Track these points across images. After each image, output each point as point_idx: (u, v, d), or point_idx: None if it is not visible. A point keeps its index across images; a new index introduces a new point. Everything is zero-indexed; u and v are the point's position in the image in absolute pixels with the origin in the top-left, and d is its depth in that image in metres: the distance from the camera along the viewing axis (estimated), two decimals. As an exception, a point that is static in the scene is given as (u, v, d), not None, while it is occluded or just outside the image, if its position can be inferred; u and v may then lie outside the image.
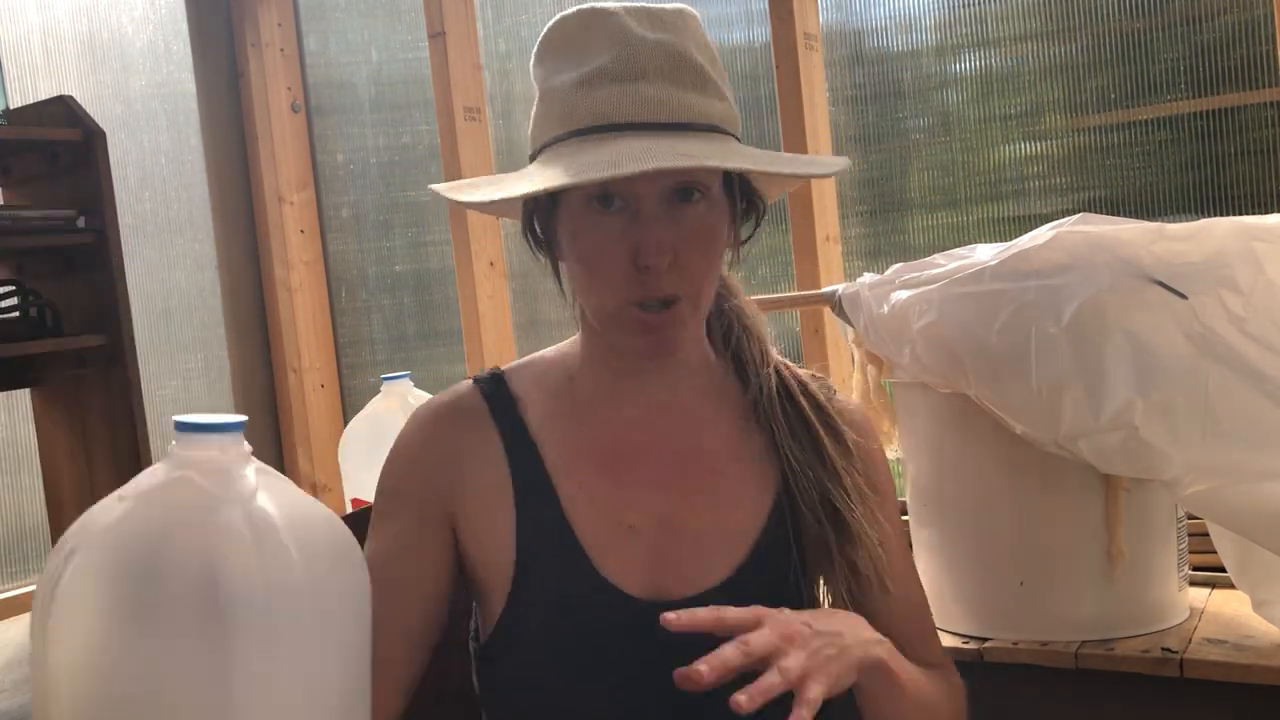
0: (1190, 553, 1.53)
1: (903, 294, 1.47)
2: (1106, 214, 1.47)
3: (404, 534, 1.03)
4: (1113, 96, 1.88)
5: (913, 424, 1.57)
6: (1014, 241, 1.40)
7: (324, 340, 2.82)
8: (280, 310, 2.76)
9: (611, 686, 0.97)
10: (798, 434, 1.04)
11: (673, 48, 0.94)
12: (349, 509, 2.25)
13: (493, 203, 0.98)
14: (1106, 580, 1.44)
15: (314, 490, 2.76)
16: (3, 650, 1.91)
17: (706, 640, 0.98)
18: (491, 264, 2.47)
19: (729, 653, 0.83)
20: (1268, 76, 1.75)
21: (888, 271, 1.55)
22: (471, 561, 1.03)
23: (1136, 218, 1.48)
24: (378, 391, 2.29)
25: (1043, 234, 1.37)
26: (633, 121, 0.92)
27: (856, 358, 1.65)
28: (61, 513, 2.16)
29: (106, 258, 2.03)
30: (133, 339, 2.06)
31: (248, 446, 0.75)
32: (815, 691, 0.84)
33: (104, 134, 2.05)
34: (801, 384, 1.08)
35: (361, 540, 1.07)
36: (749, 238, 1.06)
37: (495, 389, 1.07)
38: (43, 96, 2.25)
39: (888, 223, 2.12)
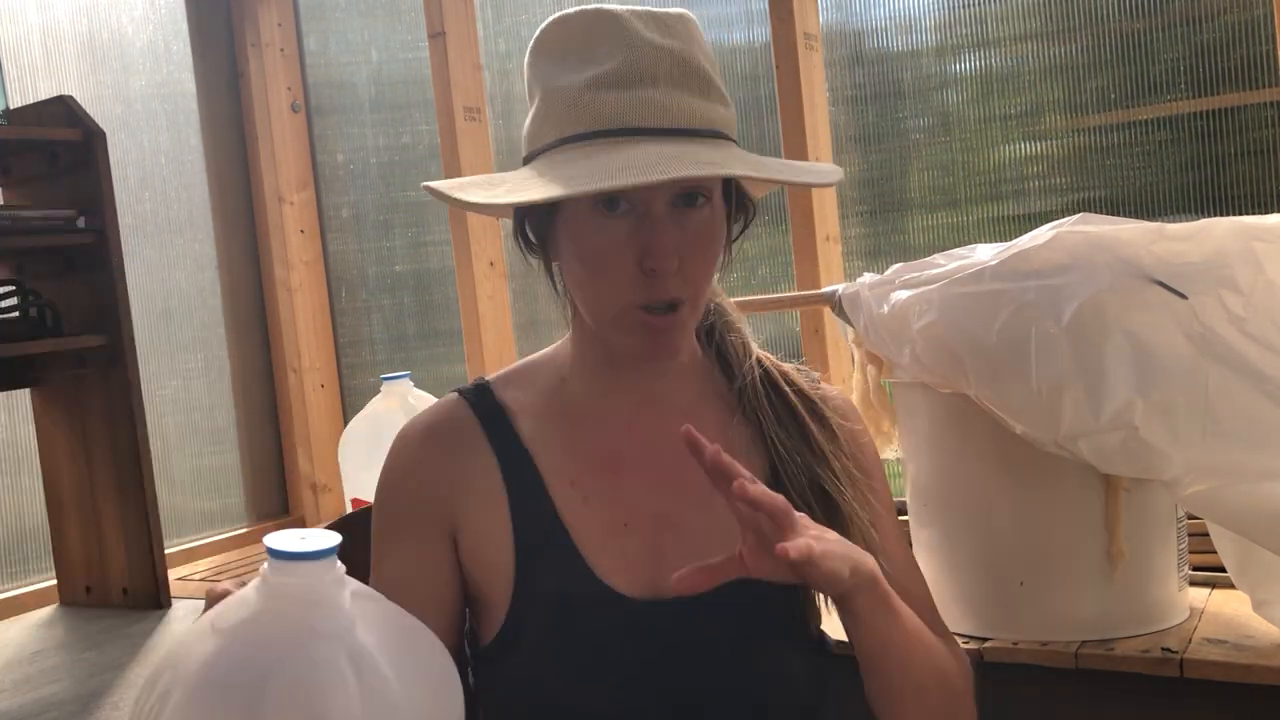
0: (1190, 553, 1.53)
1: (903, 294, 1.47)
2: (1106, 214, 1.47)
3: (412, 557, 1.03)
4: (1113, 96, 1.88)
5: (913, 424, 1.57)
6: (1014, 241, 1.40)
7: (324, 340, 2.82)
8: (280, 310, 2.76)
9: (610, 687, 0.97)
10: (784, 422, 1.05)
11: (680, 53, 0.95)
12: (349, 509, 2.25)
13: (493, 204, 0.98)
14: (1106, 580, 1.44)
15: (314, 490, 2.76)
16: (3, 650, 1.92)
17: (704, 639, 0.98)
18: (491, 264, 2.47)
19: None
20: (1268, 76, 1.75)
21: (888, 271, 1.55)
22: (472, 571, 1.03)
23: (1136, 218, 1.48)
24: (378, 391, 2.29)
25: (1043, 234, 1.37)
26: (642, 127, 0.92)
27: (856, 358, 1.65)
28: (61, 513, 2.16)
29: (106, 258, 2.03)
30: (133, 339, 2.06)
31: (341, 568, 0.72)
32: (809, 547, 0.84)
33: (104, 134, 2.05)
34: (784, 374, 1.09)
35: (364, 543, 1.08)
36: (738, 237, 1.06)
37: (481, 399, 1.07)
38: (43, 96, 2.25)
39: (888, 223, 2.12)
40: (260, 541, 2.65)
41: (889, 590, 0.94)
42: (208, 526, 2.61)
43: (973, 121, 2.02)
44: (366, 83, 2.78)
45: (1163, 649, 1.39)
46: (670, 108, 0.93)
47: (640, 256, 0.93)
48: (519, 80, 1.04)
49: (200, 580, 2.29)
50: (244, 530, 2.66)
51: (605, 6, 0.97)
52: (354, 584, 0.73)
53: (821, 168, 1.10)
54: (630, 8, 0.97)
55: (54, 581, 2.20)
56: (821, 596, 1.06)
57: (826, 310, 1.88)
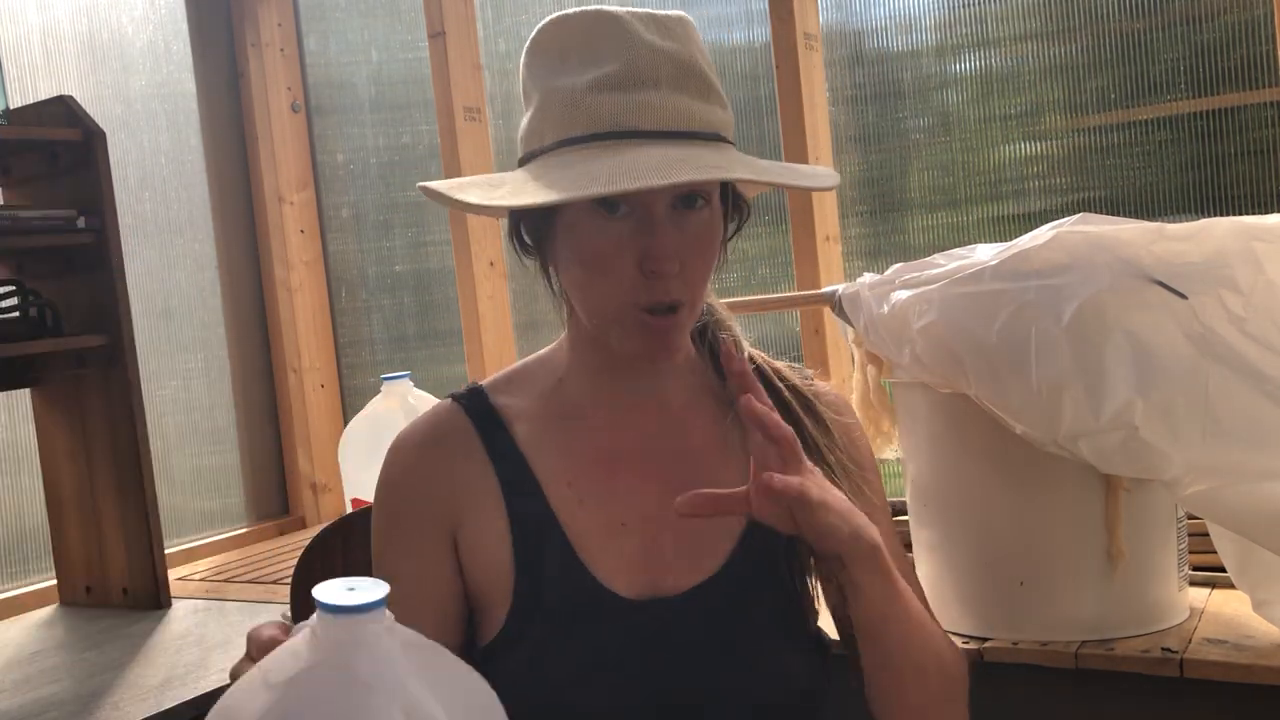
0: (1190, 553, 1.53)
1: (903, 294, 1.47)
2: (1106, 214, 1.47)
3: (415, 567, 1.03)
4: (1113, 96, 1.88)
5: (913, 424, 1.57)
6: (1014, 241, 1.40)
7: (324, 340, 2.82)
8: (280, 310, 2.76)
9: (609, 686, 0.97)
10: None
11: (680, 56, 0.95)
12: (349, 509, 2.25)
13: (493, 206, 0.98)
14: (1106, 580, 1.44)
15: (314, 490, 2.76)
16: (3, 650, 1.92)
17: (702, 638, 0.98)
18: (491, 264, 2.47)
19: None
20: (1268, 76, 1.75)
21: (888, 271, 1.55)
22: (472, 574, 1.04)
23: (1136, 218, 1.48)
24: (378, 391, 2.29)
25: (1043, 234, 1.37)
26: (642, 129, 0.92)
27: (856, 358, 1.65)
28: (61, 513, 2.16)
29: (106, 258, 2.03)
30: (133, 339, 2.06)
31: (389, 616, 0.72)
32: (802, 488, 0.86)
33: (104, 134, 2.05)
34: (777, 371, 1.10)
35: (364, 543, 1.08)
36: (731, 237, 1.07)
37: (475, 403, 1.07)
38: (43, 96, 2.25)
39: (888, 223, 2.12)
40: (260, 542, 2.66)
41: (890, 565, 0.93)
42: (208, 526, 2.61)
43: (973, 121, 2.02)
44: (366, 83, 2.78)
45: (1163, 649, 1.39)
46: (670, 110, 0.93)
47: (641, 259, 0.93)
48: (519, 80, 1.03)
49: (200, 580, 2.29)
50: (244, 530, 2.66)
51: (605, 8, 0.97)
52: (404, 632, 0.73)
53: (820, 172, 1.10)
54: (630, 9, 0.97)
55: (54, 581, 2.20)
56: (817, 591, 1.06)
57: (826, 310, 1.88)
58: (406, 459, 1.06)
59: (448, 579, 1.03)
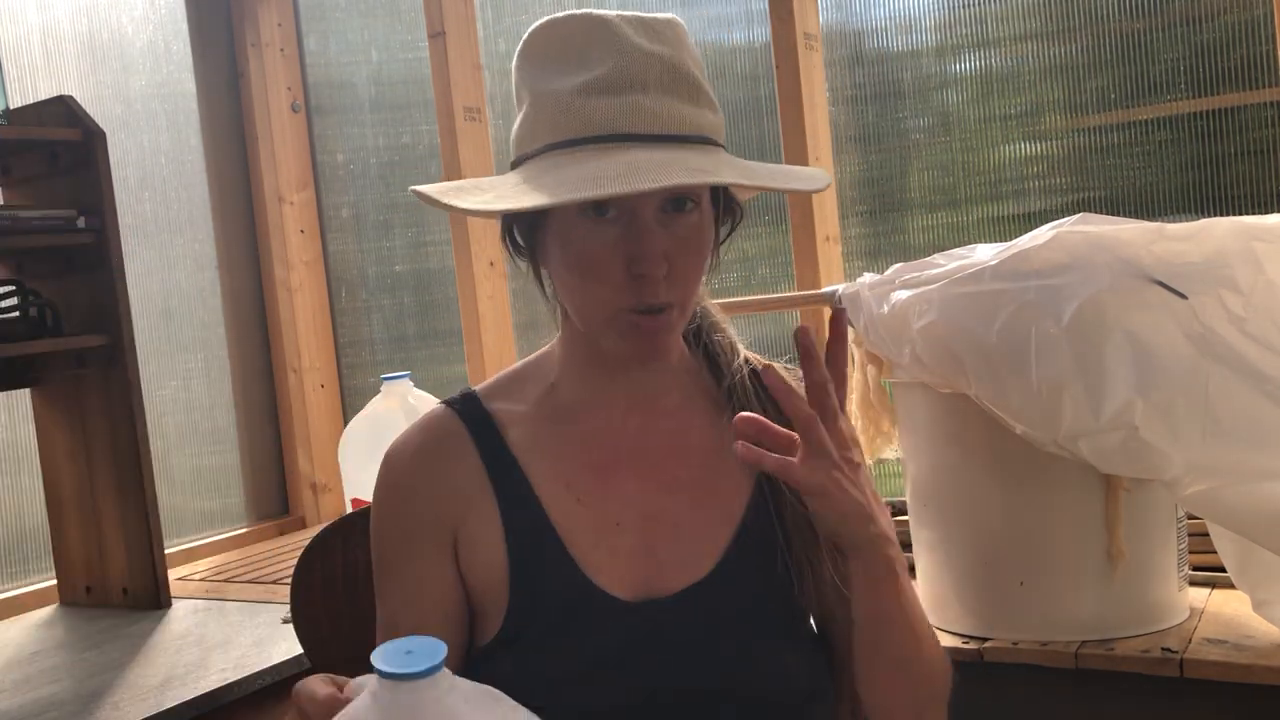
0: (1190, 553, 1.53)
1: (903, 294, 1.47)
2: (1106, 214, 1.47)
3: (419, 570, 1.04)
4: (1113, 96, 1.89)
5: (913, 424, 1.57)
6: (1014, 241, 1.40)
7: (324, 340, 2.82)
8: (280, 310, 2.76)
9: (605, 686, 0.97)
10: (772, 420, 1.05)
11: (669, 60, 0.95)
12: (349, 509, 2.25)
13: (482, 210, 0.98)
14: (1106, 580, 1.44)
15: (314, 490, 2.76)
16: (3, 650, 1.92)
17: (698, 637, 0.98)
18: (491, 264, 2.47)
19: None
20: (1268, 76, 1.75)
21: (888, 271, 1.55)
22: (469, 576, 1.04)
23: (1136, 218, 1.48)
24: (378, 391, 2.29)
25: (1043, 234, 1.38)
26: (632, 133, 0.93)
27: (856, 358, 1.65)
28: (61, 513, 2.16)
29: (106, 258, 2.03)
30: (133, 339, 2.06)
31: (449, 674, 0.72)
32: (805, 478, 0.87)
33: (104, 134, 2.05)
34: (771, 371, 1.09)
35: (364, 542, 1.08)
36: (725, 239, 1.07)
37: (469, 408, 1.08)
38: (43, 96, 2.25)
39: (888, 223, 2.12)
40: (260, 542, 2.66)
41: (902, 569, 0.95)
42: (208, 526, 2.61)
43: (973, 121, 2.02)
44: (366, 83, 2.78)
45: (1163, 649, 1.39)
46: (660, 114, 0.93)
47: (629, 262, 0.94)
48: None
49: (200, 580, 2.29)
50: (244, 530, 2.66)
51: (595, 11, 0.97)
52: (463, 686, 0.73)
53: (811, 173, 1.09)
54: (619, 13, 0.97)
55: (54, 581, 2.20)
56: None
57: (826, 310, 1.88)
58: (404, 464, 1.07)
59: (450, 582, 1.04)
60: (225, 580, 2.26)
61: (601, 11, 0.97)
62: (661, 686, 0.97)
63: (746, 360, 1.09)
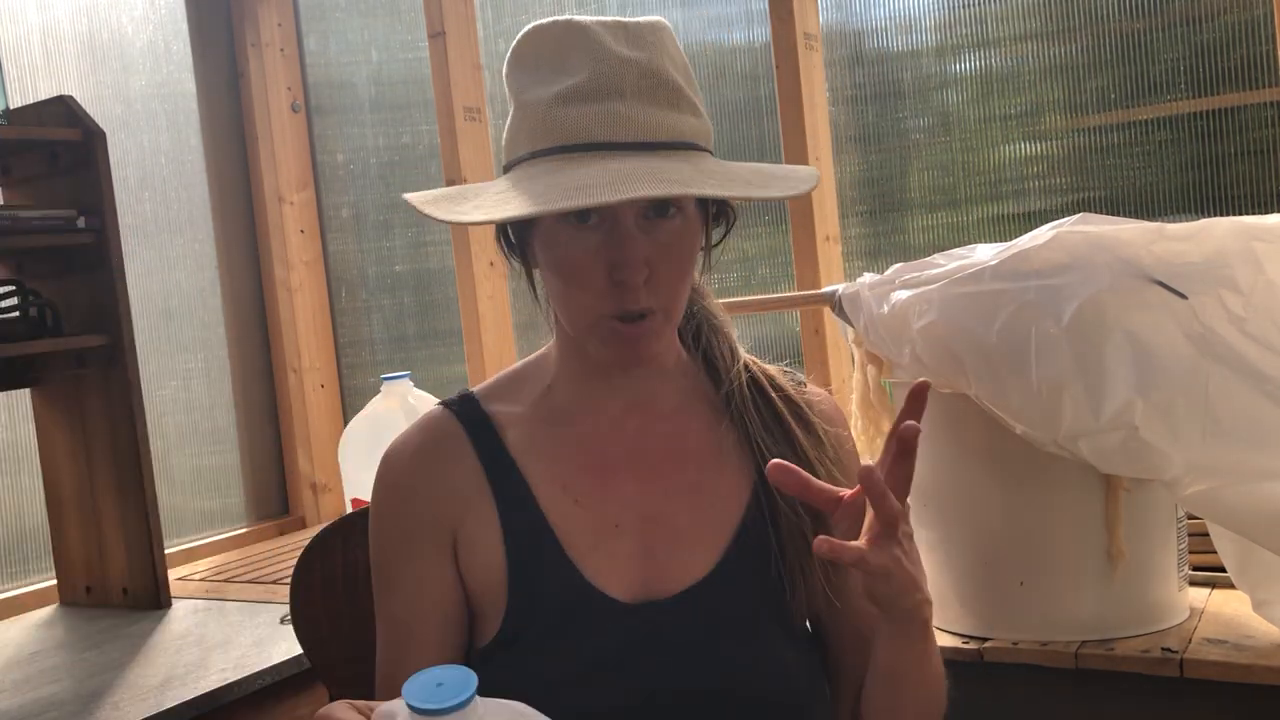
0: (1190, 553, 1.53)
1: (903, 294, 1.47)
2: (1106, 214, 1.47)
3: (419, 571, 1.04)
4: (1113, 96, 1.89)
5: (913, 424, 1.57)
6: (1014, 241, 1.40)
7: (324, 340, 2.82)
8: (280, 310, 2.76)
9: (603, 688, 0.97)
10: (770, 427, 1.06)
11: (648, 66, 0.94)
12: (349, 509, 2.25)
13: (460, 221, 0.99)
14: (1106, 580, 1.44)
15: (314, 490, 2.76)
16: (3, 650, 1.92)
17: (696, 639, 0.98)
18: (491, 264, 2.47)
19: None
20: (1268, 76, 1.75)
21: (888, 271, 1.55)
22: (468, 578, 1.04)
23: (1136, 218, 1.48)
24: (378, 391, 2.29)
25: (1043, 234, 1.38)
26: (609, 141, 0.92)
27: (856, 358, 1.65)
28: (61, 513, 2.16)
29: (106, 258, 2.03)
30: (133, 339, 2.06)
31: (479, 701, 0.73)
32: (873, 558, 0.86)
33: (104, 134, 2.05)
34: (771, 378, 1.10)
35: (364, 542, 1.08)
36: (718, 243, 1.06)
37: (467, 410, 1.08)
38: (43, 96, 2.25)
39: (888, 223, 2.12)
40: (260, 542, 2.66)
41: (929, 630, 0.97)
42: (208, 526, 2.61)
43: (973, 121, 2.02)
44: (366, 83, 2.78)
45: (1163, 649, 1.39)
46: (636, 121, 0.93)
47: (610, 268, 0.94)
48: (505, 87, 1.04)
49: (200, 580, 2.29)
50: (244, 530, 2.66)
51: (576, 18, 0.97)
52: (493, 709, 0.74)
53: (797, 174, 1.05)
54: (600, 19, 0.97)
55: (54, 581, 2.20)
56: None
57: (826, 310, 1.88)
58: (403, 464, 1.07)
59: (449, 582, 1.04)
60: (225, 580, 2.26)
61: (582, 18, 0.97)
62: (661, 688, 0.97)
63: (746, 366, 1.09)
